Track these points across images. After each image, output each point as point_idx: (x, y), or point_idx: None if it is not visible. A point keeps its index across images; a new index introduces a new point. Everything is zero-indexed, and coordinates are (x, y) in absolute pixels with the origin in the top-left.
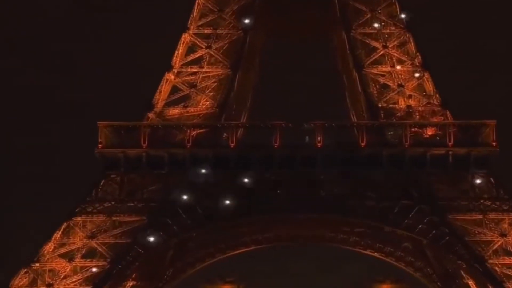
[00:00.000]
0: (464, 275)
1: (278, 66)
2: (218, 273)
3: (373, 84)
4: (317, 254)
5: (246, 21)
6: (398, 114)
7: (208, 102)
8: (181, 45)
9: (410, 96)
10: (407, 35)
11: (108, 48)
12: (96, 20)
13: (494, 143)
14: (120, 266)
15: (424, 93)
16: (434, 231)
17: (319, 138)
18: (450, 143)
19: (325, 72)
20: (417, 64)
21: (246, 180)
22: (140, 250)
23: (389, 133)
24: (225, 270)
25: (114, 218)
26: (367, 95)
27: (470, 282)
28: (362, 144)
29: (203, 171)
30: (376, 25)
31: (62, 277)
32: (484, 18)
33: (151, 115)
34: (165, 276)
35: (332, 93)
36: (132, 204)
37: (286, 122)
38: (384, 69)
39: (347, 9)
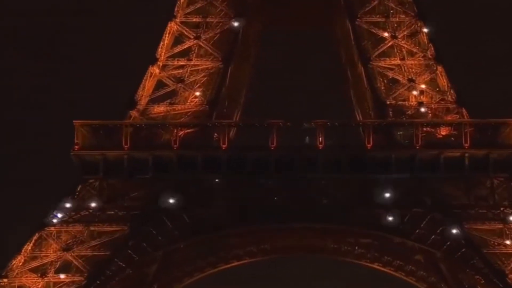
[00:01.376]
0: None
1: (275, 58)
2: None
3: (381, 79)
4: (317, 264)
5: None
6: (409, 112)
7: (197, 99)
8: (167, 35)
9: (421, 92)
10: (419, 24)
11: (83, 39)
12: (71, 8)
13: None
14: (98, 282)
15: (437, 89)
16: (448, 243)
17: (320, 138)
18: (466, 144)
19: (328, 66)
20: (430, 56)
21: (170, 200)
22: (121, 264)
23: (398, 133)
24: (216, 286)
25: (92, 228)
26: (374, 91)
27: None
28: (369, 145)
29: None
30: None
31: None
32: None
33: (133, 113)
34: None
35: (335, 89)
36: (112, 213)
37: (284, 121)
38: (393, 62)
39: None
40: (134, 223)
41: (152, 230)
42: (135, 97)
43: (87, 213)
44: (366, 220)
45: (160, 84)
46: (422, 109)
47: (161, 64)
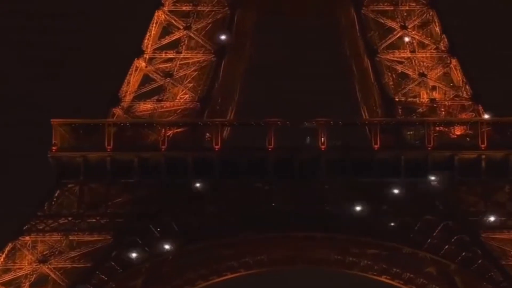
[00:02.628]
0: None
1: (273, 51)
2: None
3: (389, 73)
4: (319, 277)
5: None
6: (420, 109)
7: (187, 95)
8: (154, 25)
9: (434, 88)
10: (431, 13)
11: (64, 30)
12: None
13: None
14: None
15: (451, 84)
16: (463, 253)
17: (322, 139)
18: (483, 145)
19: (330, 59)
20: (443, 48)
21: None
22: (104, 277)
23: (408, 133)
24: None
25: (71, 238)
26: (382, 87)
27: None
28: (376, 146)
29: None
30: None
31: None
32: None
33: (117, 111)
34: None
35: (338, 85)
36: (93, 220)
37: (283, 119)
38: (402, 55)
39: None
40: (118, 232)
41: (138, 239)
42: (118, 94)
43: (66, 220)
44: (373, 229)
45: (146, 79)
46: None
47: (147, 57)
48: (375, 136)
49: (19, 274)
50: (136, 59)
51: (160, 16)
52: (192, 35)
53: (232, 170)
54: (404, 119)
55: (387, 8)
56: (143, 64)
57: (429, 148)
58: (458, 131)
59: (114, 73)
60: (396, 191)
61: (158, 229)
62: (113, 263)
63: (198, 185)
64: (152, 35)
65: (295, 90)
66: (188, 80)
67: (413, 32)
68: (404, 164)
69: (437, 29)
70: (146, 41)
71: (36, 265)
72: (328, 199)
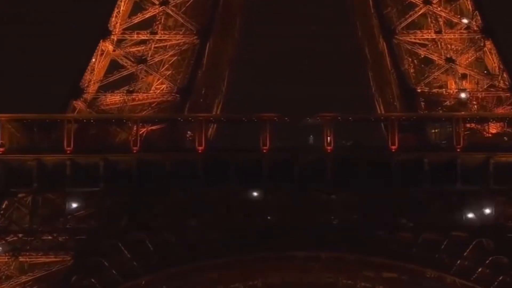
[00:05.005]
0: None
1: (268, 31)
2: None
3: (410, 59)
4: None
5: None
6: (447, 102)
7: (164, 85)
8: (123, 0)
9: (464, 76)
10: None
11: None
12: None
13: None
14: None
15: (485, 72)
16: (500, 277)
17: (329, 138)
18: None
19: (338, 42)
20: (475, 28)
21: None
22: None
23: (433, 131)
24: None
25: (22, 259)
26: (401, 75)
27: None
28: (393, 147)
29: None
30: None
31: None
32: None
33: (79, 104)
34: None
35: (348, 73)
36: (50, 238)
37: (280, 114)
38: (425, 36)
39: None
40: (80, 252)
41: (104, 261)
42: (80, 83)
43: (15, 238)
44: (390, 247)
45: (114, 66)
46: (463, 95)
47: (115, 38)
48: (393, 135)
49: None
50: (101, 41)
51: None
52: (170, 11)
53: (219, 176)
54: (428, 114)
55: None
56: (110, 47)
57: (458, 150)
58: (493, 128)
59: (75, 58)
60: (417, 200)
61: (129, 249)
62: None
63: (177, 194)
64: (121, 11)
65: (295, 80)
66: (165, 67)
67: (439, 8)
68: (428, 168)
69: (468, 4)
70: (113, 19)
71: None
72: (336, 211)
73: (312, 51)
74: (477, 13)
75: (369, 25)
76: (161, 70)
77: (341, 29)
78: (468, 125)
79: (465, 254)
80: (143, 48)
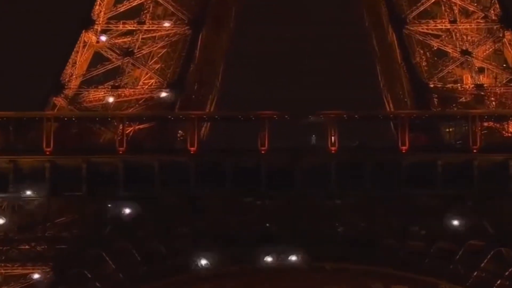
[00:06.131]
0: None
1: (267, 22)
2: None
3: (422, 51)
4: None
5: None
6: (462, 99)
7: (152, 80)
8: None
9: (481, 70)
10: None
11: None
12: None
13: None
14: None
15: (504, 65)
16: None
17: (333, 138)
18: None
19: (343, 32)
20: (494, 17)
21: None
22: None
23: (447, 130)
24: None
25: None
26: (412, 69)
27: None
28: (403, 148)
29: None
30: None
31: None
32: None
33: (59, 100)
34: None
35: (353, 68)
36: (27, 247)
37: (280, 112)
38: (439, 26)
39: None
40: (60, 263)
41: (87, 272)
42: (61, 78)
43: None
44: (400, 257)
45: (98, 59)
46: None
47: (99, 28)
48: (403, 135)
49: None
50: (84, 31)
51: None
52: None
53: (213, 179)
54: (441, 111)
55: None
56: (94, 38)
57: (474, 151)
58: None
59: (55, 51)
60: (429, 206)
61: (114, 259)
62: None
63: (167, 199)
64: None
65: (296, 74)
66: (154, 60)
67: None
68: (441, 171)
69: None
70: (97, 7)
71: None
72: (340, 218)
73: (313, 52)
74: (496, 1)
75: (377, 14)
76: (150, 63)
77: (345, 29)
78: (485, 124)
79: (482, 265)
80: (129, 39)
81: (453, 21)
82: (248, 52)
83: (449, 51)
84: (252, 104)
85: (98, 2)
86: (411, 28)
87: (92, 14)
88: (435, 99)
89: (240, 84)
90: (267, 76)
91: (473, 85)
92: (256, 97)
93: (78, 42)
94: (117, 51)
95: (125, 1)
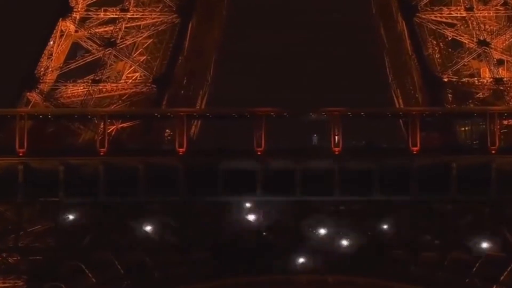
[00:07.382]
0: None
1: (262, 10)
2: None
3: (434, 42)
4: None
5: None
6: (479, 94)
7: (137, 74)
8: None
9: (500, 62)
10: None
11: None
12: None
13: None
14: None
15: None
16: None
17: (337, 137)
18: None
19: (347, 21)
20: None
21: None
22: None
23: (462, 128)
24: None
25: None
26: (424, 61)
27: None
28: (414, 148)
29: None
30: None
31: None
32: None
33: (33, 96)
34: None
35: (359, 61)
36: None
37: (278, 109)
38: (454, 14)
39: None
40: (34, 276)
41: (63, 286)
42: (35, 71)
43: None
44: (411, 270)
45: (76, 50)
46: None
47: (78, 16)
48: (414, 134)
49: None
50: (60, 19)
51: None
52: None
53: (204, 183)
54: (457, 108)
55: None
56: (72, 27)
57: (493, 152)
58: None
59: (29, 41)
60: (443, 213)
61: (94, 272)
62: None
63: (153, 206)
64: None
65: (295, 67)
66: (138, 52)
67: None
68: (456, 174)
69: None
70: None
71: None
72: (345, 225)
73: (314, 52)
74: None
75: (385, 1)
76: (134, 55)
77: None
78: (505, 122)
79: (502, 278)
80: (111, 28)
81: (469, 8)
82: (248, 53)
83: (465, 41)
84: (251, 104)
85: None
86: (423, 16)
87: (69, 1)
88: (449, 94)
89: (237, 85)
90: (267, 76)
91: (491, 79)
92: (256, 97)
93: (55, 31)
94: (98, 42)
95: None
